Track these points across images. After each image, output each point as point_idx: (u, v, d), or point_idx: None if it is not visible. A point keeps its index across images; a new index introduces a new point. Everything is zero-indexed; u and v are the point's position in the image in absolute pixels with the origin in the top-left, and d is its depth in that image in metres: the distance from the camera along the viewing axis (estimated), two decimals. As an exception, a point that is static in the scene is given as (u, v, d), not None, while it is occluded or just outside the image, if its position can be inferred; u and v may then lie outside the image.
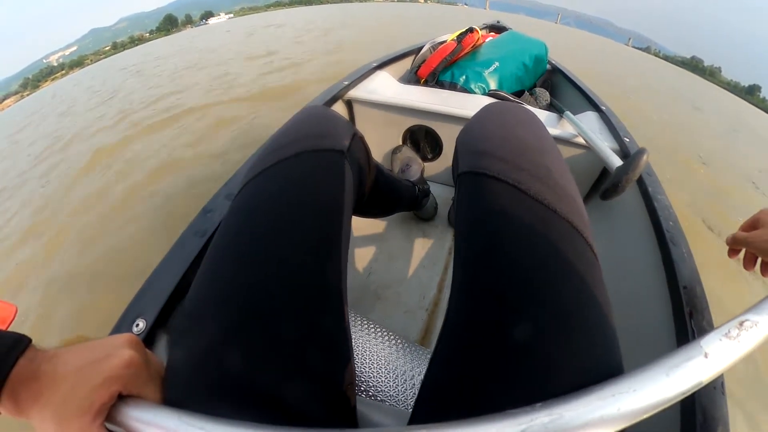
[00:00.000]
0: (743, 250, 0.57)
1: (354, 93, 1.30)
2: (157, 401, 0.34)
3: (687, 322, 0.57)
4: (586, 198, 1.22)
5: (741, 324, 0.26)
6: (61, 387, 0.28)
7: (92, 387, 0.29)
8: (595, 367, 0.32)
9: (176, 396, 0.35)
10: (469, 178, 0.47)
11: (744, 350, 0.25)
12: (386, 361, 0.71)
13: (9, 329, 0.32)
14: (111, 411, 0.30)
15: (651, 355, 0.67)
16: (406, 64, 1.77)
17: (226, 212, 0.48)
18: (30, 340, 0.29)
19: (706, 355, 0.25)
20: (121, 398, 0.31)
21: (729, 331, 0.26)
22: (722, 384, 0.48)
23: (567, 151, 1.13)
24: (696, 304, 0.59)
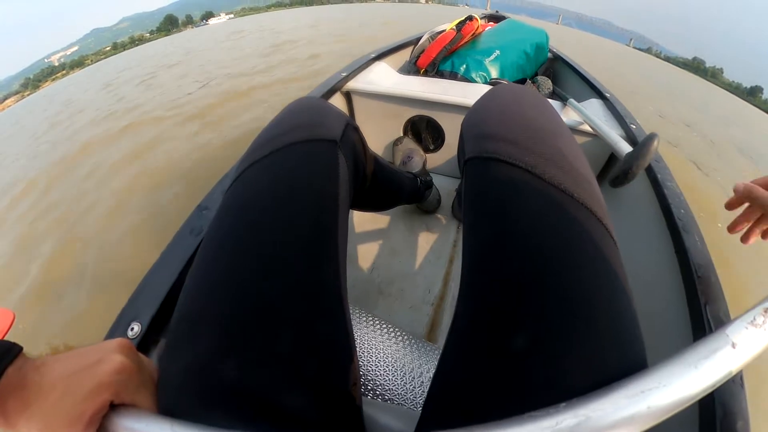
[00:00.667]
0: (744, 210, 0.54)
1: (352, 84, 1.28)
2: (151, 408, 0.33)
3: (702, 312, 0.55)
4: None
5: (766, 311, 0.24)
6: (49, 397, 0.27)
7: (82, 396, 0.28)
8: (621, 360, 0.30)
9: (169, 403, 0.34)
10: (477, 163, 0.44)
11: None
12: (392, 359, 0.69)
13: (7, 335, 0.32)
14: (102, 421, 0.29)
15: (666, 346, 0.66)
16: (405, 54, 1.75)
17: (217, 212, 0.46)
18: (21, 349, 0.28)
19: (733, 345, 0.23)
20: (113, 407, 0.30)
21: (754, 319, 0.24)
22: (741, 377, 0.46)
23: None
24: (711, 293, 0.57)
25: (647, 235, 0.84)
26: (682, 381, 0.22)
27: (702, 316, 0.55)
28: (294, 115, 0.55)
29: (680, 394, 0.22)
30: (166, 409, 0.33)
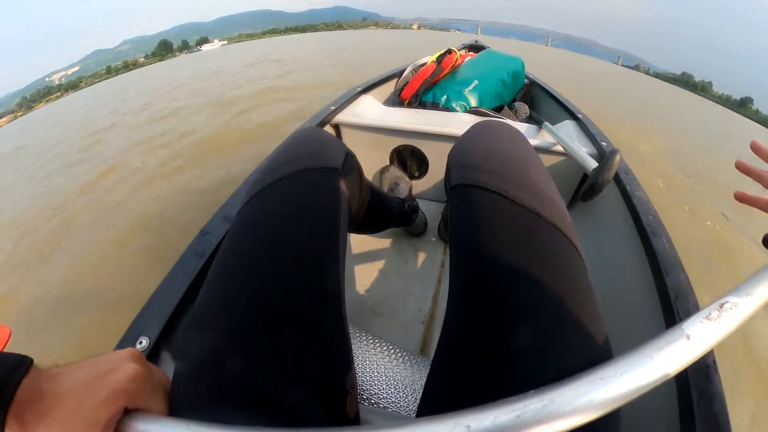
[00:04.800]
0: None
1: (341, 117, 1.35)
2: (163, 413, 0.35)
3: (673, 307, 0.60)
4: (571, 202, 1.27)
5: (721, 306, 0.27)
6: (66, 405, 0.28)
7: (97, 403, 0.29)
8: (587, 354, 0.35)
9: (180, 404, 0.36)
10: (460, 190, 0.50)
11: (725, 331, 0.26)
12: (385, 369, 0.71)
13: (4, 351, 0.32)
14: (118, 425, 0.30)
15: (642, 341, 0.70)
16: (390, 87, 1.85)
17: (229, 230, 0.51)
18: (32, 361, 0.29)
19: (688, 338, 0.26)
20: (128, 412, 0.31)
21: (710, 314, 0.27)
22: (714, 361, 0.50)
23: (548, 160, 1.18)
24: (680, 289, 0.62)
25: (621, 241, 0.90)
26: (638, 370, 0.25)
27: (673, 311, 0.59)
28: (299, 144, 0.60)
29: (636, 382, 0.24)
30: (178, 408, 0.36)
